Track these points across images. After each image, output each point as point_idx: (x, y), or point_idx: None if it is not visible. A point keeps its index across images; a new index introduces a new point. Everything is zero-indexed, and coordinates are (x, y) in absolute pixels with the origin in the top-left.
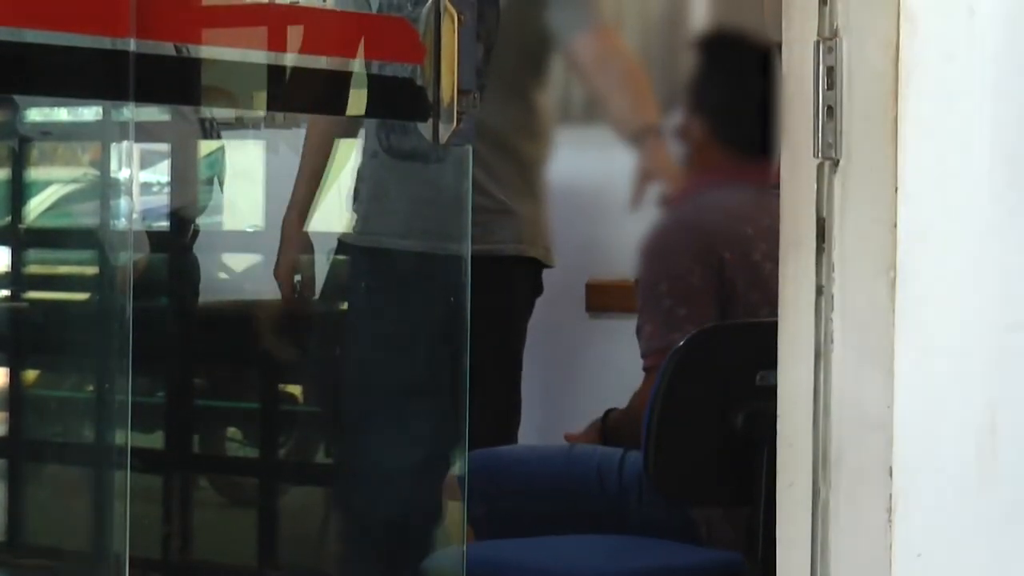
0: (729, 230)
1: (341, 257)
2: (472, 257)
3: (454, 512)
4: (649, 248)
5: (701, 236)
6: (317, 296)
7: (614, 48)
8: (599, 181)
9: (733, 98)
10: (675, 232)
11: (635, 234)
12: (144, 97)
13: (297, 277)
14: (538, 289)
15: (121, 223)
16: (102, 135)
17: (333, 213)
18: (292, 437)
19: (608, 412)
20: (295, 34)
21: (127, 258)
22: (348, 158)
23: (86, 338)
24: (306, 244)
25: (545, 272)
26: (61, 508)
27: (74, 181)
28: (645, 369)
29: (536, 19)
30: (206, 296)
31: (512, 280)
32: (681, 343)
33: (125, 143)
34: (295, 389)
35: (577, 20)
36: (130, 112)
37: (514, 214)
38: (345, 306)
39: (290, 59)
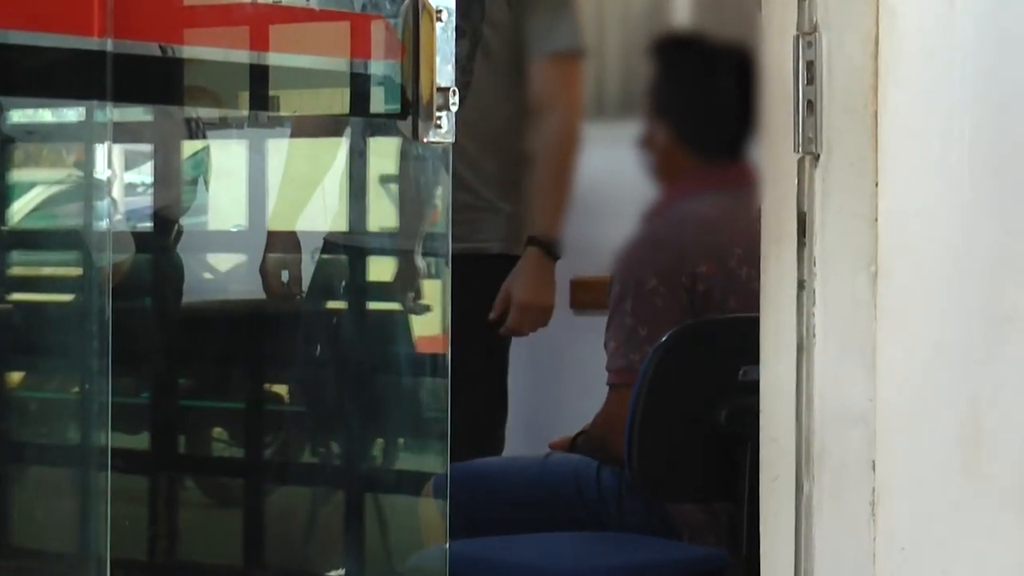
0: (703, 241)
1: (327, 256)
2: (458, 255)
3: (437, 510)
4: (619, 263)
5: (670, 254)
6: (304, 295)
7: (576, 83)
8: (584, 179)
9: (697, 101)
10: (644, 249)
11: (620, 232)
12: (122, 97)
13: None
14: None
15: (101, 224)
16: (80, 136)
17: (320, 213)
18: (278, 437)
19: (578, 435)
20: (273, 33)
21: (107, 259)
22: (335, 158)
23: (66, 339)
24: (293, 244)
25: None
26: (43, 510)
27: (54, 182)
28: (608, 385)
29: (526, 21)
30: (191, 296)
31: (498, 278)
32: (664, 338)
33: (104, 144)
34: (281, 389)
35: (558, 37)
36: (108, 113)
37: (500, 212)
38: (331, 305)
39: (269, 58)
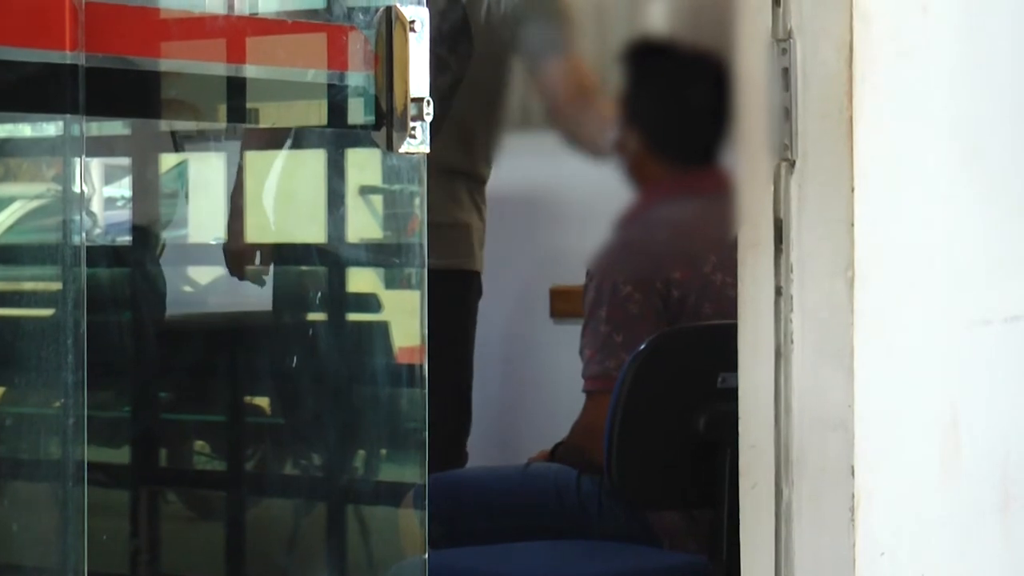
0: (677, 248)
1: (306, 268)
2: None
3: (415, 522)
4: (594, 270)
5: (645, 260)
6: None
7: (582, 75)
8: (561, 188)
9: (670, 107)
10: (618, 256)
11: (598, 240)
12: (96, 111)
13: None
14: (479, 294)
15: (76, 238)
16: (54, 150)
17: (297, 226)
18: (259, 450)
19: (556, 447)
20: (247, 45)
21: (81, 273)
22: (313, 168)
23: (41, 353)
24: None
25: (509, 279)
26: (19, 524)
27: (32, 197)
28: (584, 392)
29: (503, 50)
30: (171, 309)
31: (460, 293)
32: (642, 346)
33: (78, 158)
34: (262, 401)
35: (549, 44)
36: (82, 127)
37: (454, 227)
38: (311, 317)
39: (244, 70)
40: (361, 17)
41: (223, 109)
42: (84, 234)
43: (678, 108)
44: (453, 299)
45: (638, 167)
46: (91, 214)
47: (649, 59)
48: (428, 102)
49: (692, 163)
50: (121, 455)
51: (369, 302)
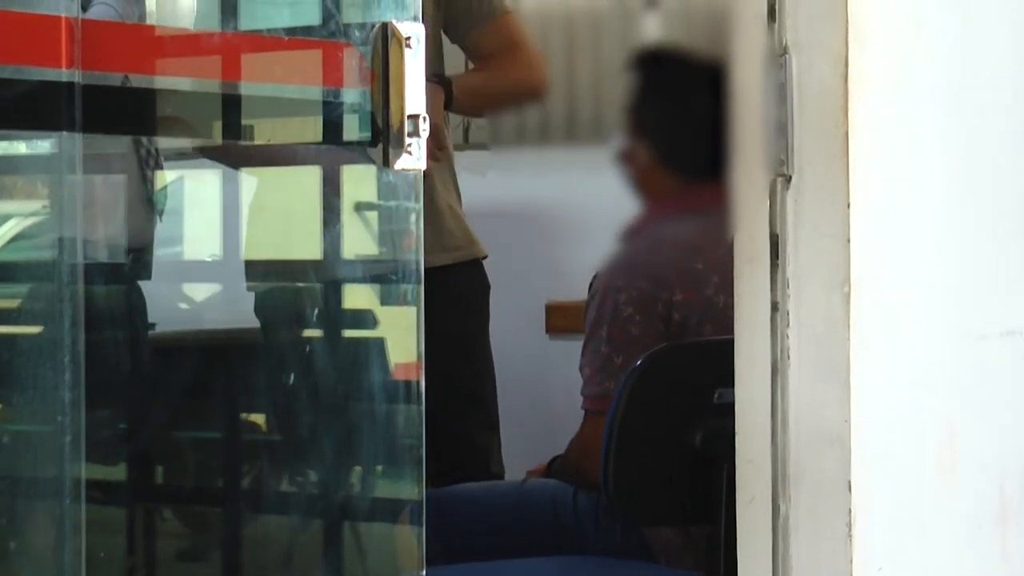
0: (680, 269)
1: (303, 284)
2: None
3: (412, 538)
4: (596, 288)
5: (647, 282)
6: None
7: (524, 35)
8: (558, 203)
9: (677, 120)
10: (621, 275)
11: (595, 256)
12: (91, 128)
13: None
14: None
15: (72, 256)
16: (49, 167)
17: (293, 242)
18: (256, 466)
19: (553, 460)
20: (244, 62)
21: (77, 291)
22: (309, 185)
23: (37, 372)
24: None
25: (505, 294)
26: (18, 543)
27: (28, 214)
28: (583, 410)
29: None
30: (165, 326)
31: (478, 285)
32: (638, 362)
33: (72, 176)
34: (258, 418)
35: (488, 8)
36: (78, 144)
37: (455, 213)
38: (307, 333)
39: (240, 87)
40: (357, 34)
41: (219, 126)
42: (80, 251)
43: (689, 120)
44: (473, 294)
45: (645, 180)
46: (83, 231)
47: (660, 70)
48: (424, 119)
49: (701, 177)
50: (118, 472)
51: (365, 318)
